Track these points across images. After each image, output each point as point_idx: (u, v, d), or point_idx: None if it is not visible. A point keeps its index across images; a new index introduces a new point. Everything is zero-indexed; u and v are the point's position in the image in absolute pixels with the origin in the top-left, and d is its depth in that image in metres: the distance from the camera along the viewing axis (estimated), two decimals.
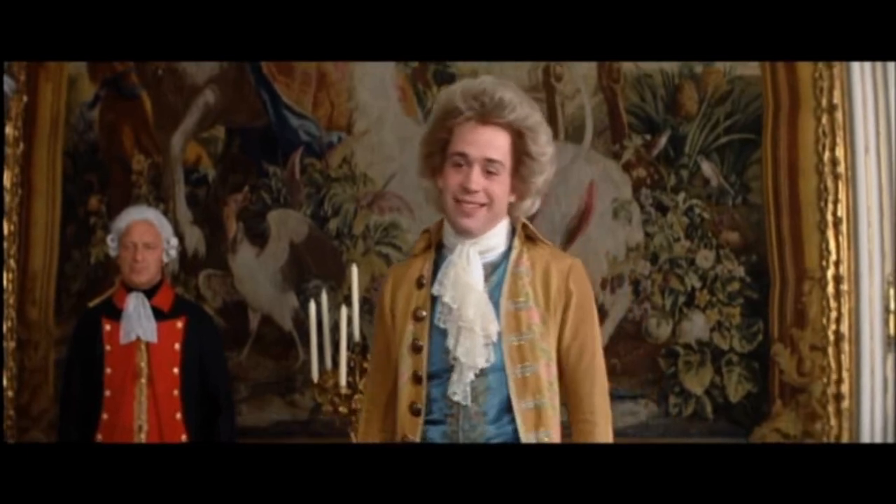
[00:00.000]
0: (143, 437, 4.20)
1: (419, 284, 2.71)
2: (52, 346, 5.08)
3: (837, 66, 4.43)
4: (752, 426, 4.50)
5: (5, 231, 5.07)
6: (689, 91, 4.64)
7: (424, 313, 2.68)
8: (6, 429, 4.91)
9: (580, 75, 4.72)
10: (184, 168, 5.09)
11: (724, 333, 4.56)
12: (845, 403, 4.39)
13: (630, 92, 4.68)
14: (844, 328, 4.41)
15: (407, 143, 4.66)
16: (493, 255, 2.70)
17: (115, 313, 4.28)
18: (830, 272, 4.42)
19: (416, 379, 2.65)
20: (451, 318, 2.63)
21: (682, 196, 4.62)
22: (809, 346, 4.45)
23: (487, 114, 2.63)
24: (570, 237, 4.69)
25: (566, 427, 2.68)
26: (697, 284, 4.59)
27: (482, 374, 2.62)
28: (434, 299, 2.67)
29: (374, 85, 4.91)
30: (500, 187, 2.66)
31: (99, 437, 4.22)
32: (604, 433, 2.68)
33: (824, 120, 4.46)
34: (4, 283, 5.06)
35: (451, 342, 2.62)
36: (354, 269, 4.44)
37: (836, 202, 4.43)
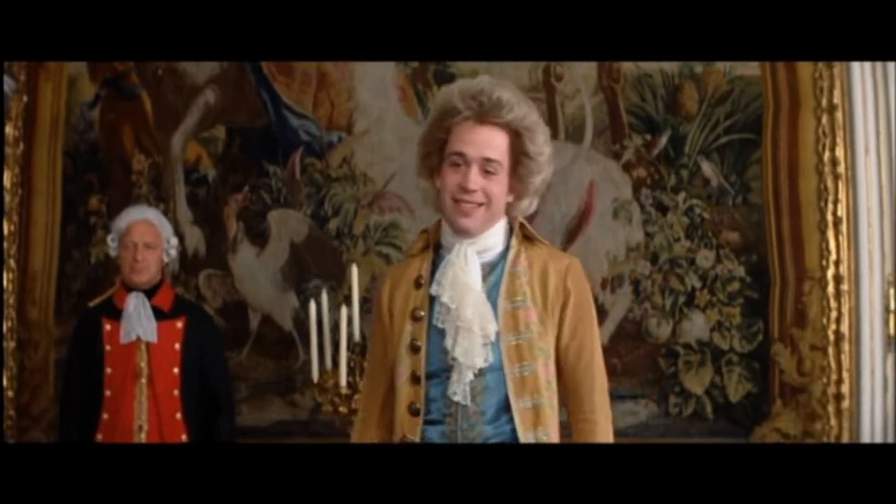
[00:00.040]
0: (143, 437, 4.20)
1: (417, 284, 2.70)
2: (52, 346, 5.08)
3: (837, 66, 4.43)
4: (753, 426, 4.50)
5: (5, 231, 5.07)
6: (690, 91, 4.64)
7: (423, 313, 2.67)
8: (6, 429, 4.91)
9: (580, 75, 4.72)
10: (184, 168, 5.08)
11: (724, 333, 4.55)
12: (845, 403, 4.39)
13: (630, 92, 4.68)
14: (844, 328, 4.41)
15: (407, 143, 4.65)
16: (491, 255, 2.69)
17: (116, 313, 4.28)
18: (830, 272, 4.42)
19: (415, 379, 2.65)
20: (450, 317, 2.63)
21: (682, 196, 4.62)
22: (809, 346, 4.45)
23: (485, 113, 2.62)
24: (570, 237, 4.69)
25: (565, 426, 2.67)
26: (697, 284, 4.58)
27: (480, 373, 2.61)
28: (432, 299, 2.67)
29: (374, 85, 4.91)
30: (498, 187, 2.65)
31: (99, 437, 4.22)
32: (604, 432, 2.68)
33: (824, 120, 4.46)
34: (4, 283, 5.06)
35: (449, 342, 2.62)
36: (354, 269, 4.45)
37: (836, 202, 4.43)
